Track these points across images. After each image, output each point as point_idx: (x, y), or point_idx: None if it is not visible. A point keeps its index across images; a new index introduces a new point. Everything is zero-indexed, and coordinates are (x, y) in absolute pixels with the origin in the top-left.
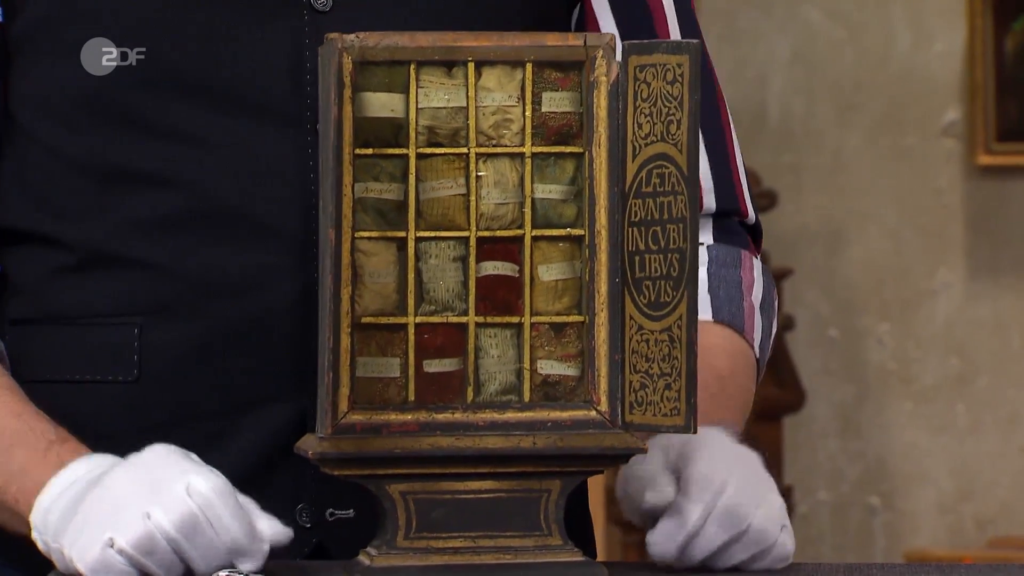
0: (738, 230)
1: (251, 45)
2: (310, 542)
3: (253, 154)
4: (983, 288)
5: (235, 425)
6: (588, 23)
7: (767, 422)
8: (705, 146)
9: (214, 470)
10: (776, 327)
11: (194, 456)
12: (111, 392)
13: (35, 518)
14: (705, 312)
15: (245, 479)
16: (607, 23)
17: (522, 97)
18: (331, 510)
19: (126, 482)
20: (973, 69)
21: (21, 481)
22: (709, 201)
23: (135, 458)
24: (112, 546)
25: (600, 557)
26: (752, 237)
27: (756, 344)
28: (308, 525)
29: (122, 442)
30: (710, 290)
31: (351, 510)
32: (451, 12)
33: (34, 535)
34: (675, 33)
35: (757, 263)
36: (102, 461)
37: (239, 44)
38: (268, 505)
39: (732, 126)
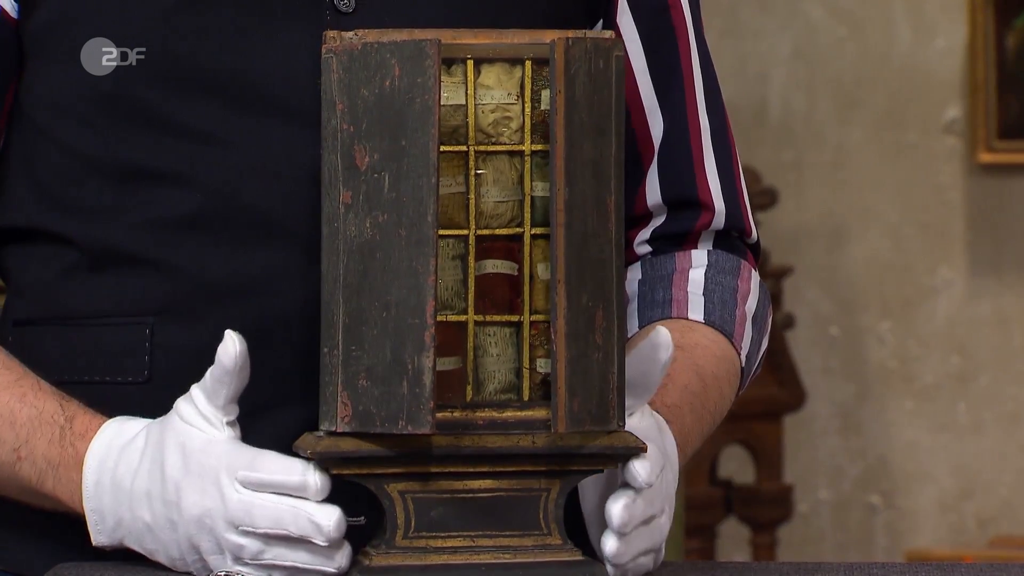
0: (739, 245)
1: (272, 46)
2: None
3: (272, 155)
4: (984, 286)
5: (245, 428)
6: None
7: (767, 421)
8: (716, 167)
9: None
10: (766, 346)
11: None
12: (121, 393)
13: (98, 539)
14: (697, 313)
15: None
16: (631, 36)
17: (521, 95)
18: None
19: (191, 499)
20: (974, 66)
21: (56, 475)
22: (719, 222)
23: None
24: None
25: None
26: (752, 254)
27: (743, 354)
28: None
29: None
30: (704, 292)
31: (362, 517)
32: (474, 16)
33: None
34: (693, 49)
35: (755, 277)
36: (112, 449)
37: (259, 45)
38: None
39: (735, 143)
